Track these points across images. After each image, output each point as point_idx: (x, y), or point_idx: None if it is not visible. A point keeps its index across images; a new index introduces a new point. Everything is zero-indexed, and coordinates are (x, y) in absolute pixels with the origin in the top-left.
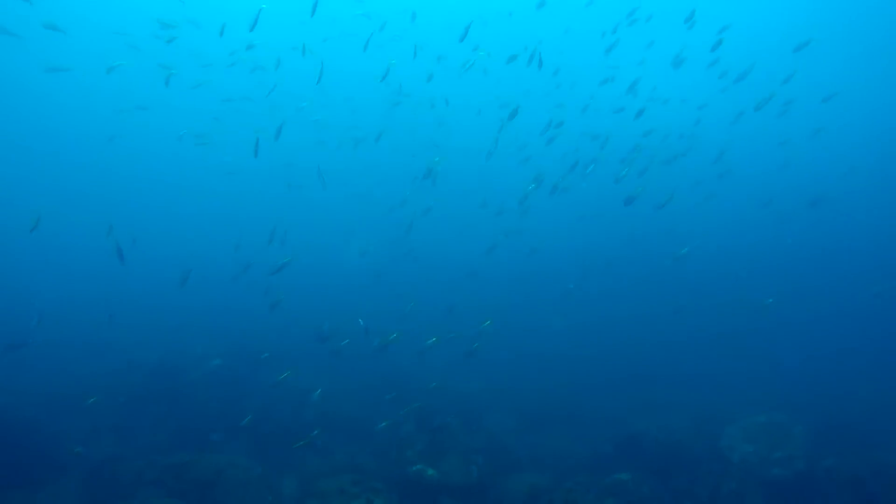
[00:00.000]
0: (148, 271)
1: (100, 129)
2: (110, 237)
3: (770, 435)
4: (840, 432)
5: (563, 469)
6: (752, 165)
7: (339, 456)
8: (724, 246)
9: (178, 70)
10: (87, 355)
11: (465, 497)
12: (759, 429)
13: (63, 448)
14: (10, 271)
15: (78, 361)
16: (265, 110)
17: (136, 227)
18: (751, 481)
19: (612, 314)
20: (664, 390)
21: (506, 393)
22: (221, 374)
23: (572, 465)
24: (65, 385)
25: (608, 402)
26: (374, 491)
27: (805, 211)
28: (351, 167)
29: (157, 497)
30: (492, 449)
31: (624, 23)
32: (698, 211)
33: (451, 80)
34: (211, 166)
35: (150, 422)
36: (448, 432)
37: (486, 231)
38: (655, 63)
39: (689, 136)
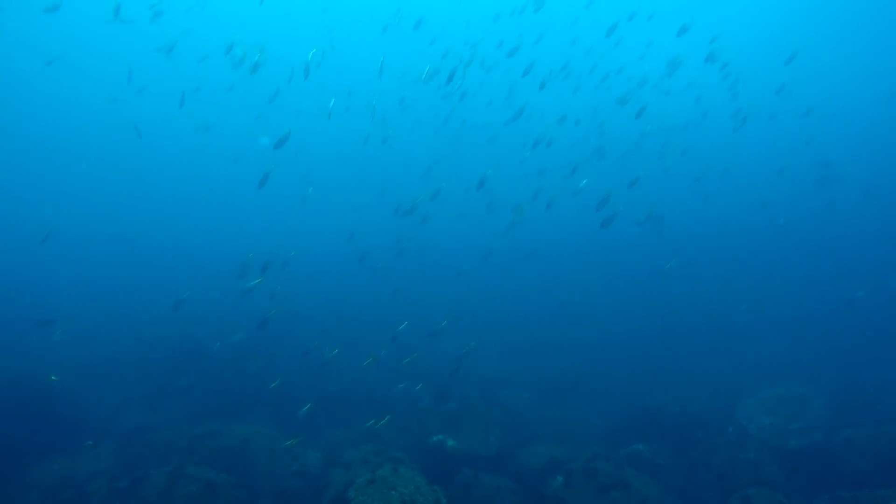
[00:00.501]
0: (170, 254)
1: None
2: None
3: (788, 406)
4: (859, 405)
5: (580, 440)
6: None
7: (360, 428)
8: (738, 230)
9: (176, 60)
10: (115, 333)
11: (486, 466)
12: (777, 400)
13: (97, 418)
14: (39, 256)
15: (106, 339)
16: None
17: (154, 215)
18: (768, 452)
19: (625, 296)
20: (679, 367)
21: (520, 370)
22: (243, 348)
23: (588, 437)
24: (95, 360)
25: (622, 379)
26: (396, 460)
27: (814, 191)
28: (363, 162)
29: (189, 464)
30: (509, 421)
31: (624, 20)
32: (709, 198)
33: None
34: (216, 154)
35: (176, 393)
36: (466, 405)
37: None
38: (658, 56)
39: (695, 125)
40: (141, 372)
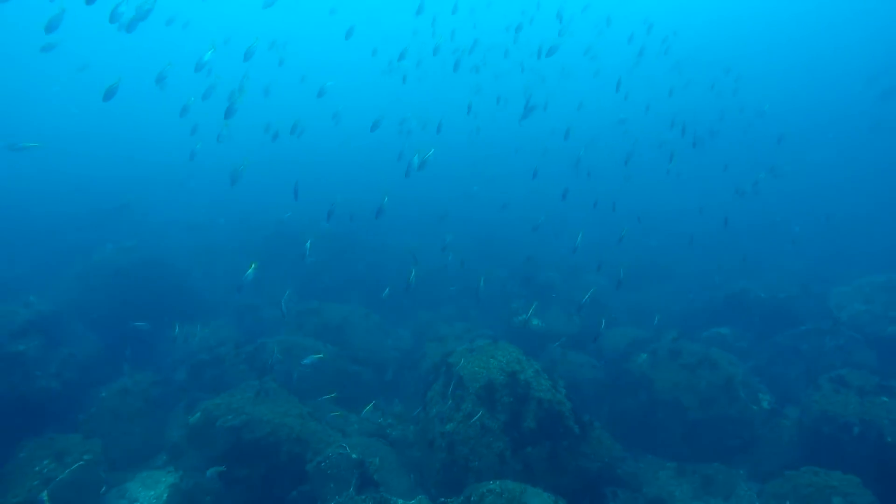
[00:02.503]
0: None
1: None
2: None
3: (887, 294)
4: None
5: (661, 324)
6: None
7: (447, 309)
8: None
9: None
10: (215, 222)
11: (570, 344)
12: (875, 288)
13: (213, 295)
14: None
15: (209, 227)
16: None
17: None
18: (861, 338)
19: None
20: (767, 254)
21: (598, 256)
22: (332, 234)
23: (669, 321)
24: (202, 246)
25: (703, 266)
26: (488, 337)
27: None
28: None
29: (297, 335)
30: (591, 304)
31: None
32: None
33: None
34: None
35: (276, 276)
36: (550, 288)
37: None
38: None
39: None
40: (244, 256)
